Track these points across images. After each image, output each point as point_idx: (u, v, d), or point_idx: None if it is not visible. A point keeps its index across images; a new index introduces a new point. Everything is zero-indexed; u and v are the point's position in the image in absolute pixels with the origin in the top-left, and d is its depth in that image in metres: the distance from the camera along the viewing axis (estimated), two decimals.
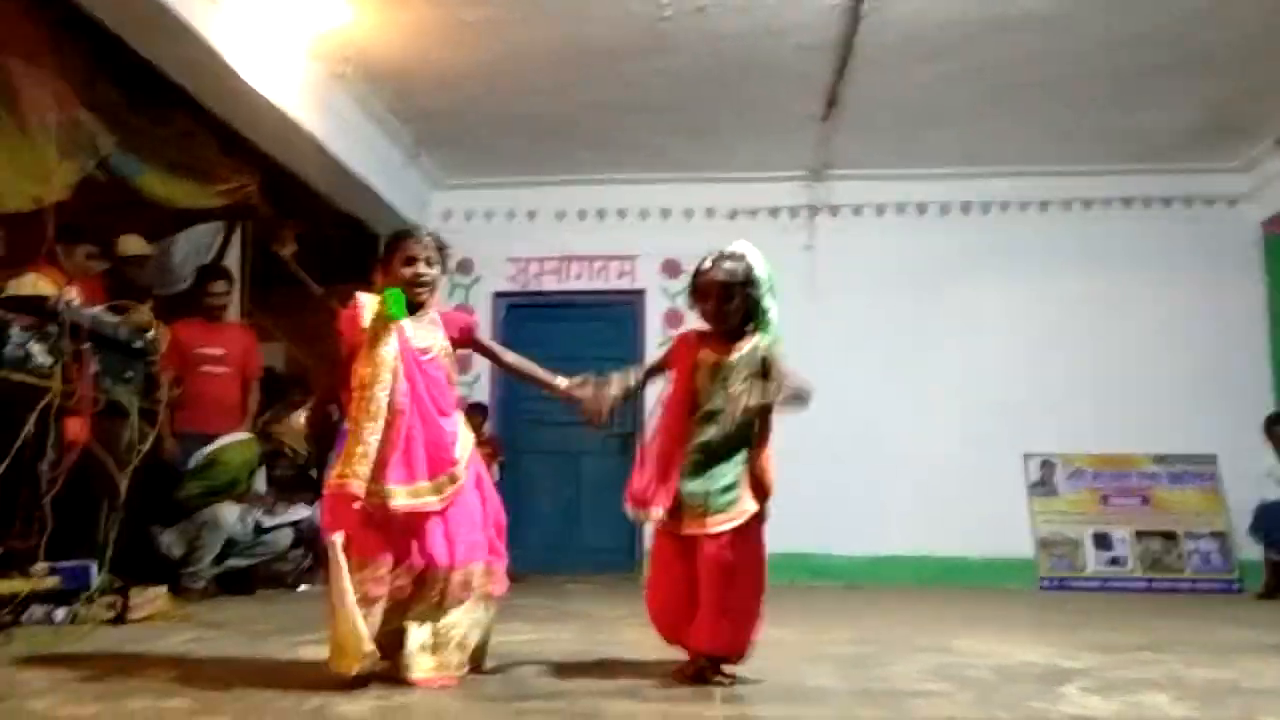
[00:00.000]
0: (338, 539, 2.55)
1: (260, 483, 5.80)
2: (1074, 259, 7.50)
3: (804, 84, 6.18)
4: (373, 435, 2.58)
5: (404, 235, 2.85)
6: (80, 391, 3.54)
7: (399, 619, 2.63)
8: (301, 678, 2.62)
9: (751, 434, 2.77)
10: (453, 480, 2.70)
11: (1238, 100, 6.31)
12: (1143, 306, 7.39)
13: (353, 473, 2.55)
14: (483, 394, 7.62)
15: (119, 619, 3.83)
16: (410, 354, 2.71)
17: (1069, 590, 6.86)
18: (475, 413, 7.23)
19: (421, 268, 2.78)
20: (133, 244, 5.56)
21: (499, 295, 7.94)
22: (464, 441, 2.80)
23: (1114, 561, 7.04)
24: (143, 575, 4.34)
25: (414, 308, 2.78)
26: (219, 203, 5.93)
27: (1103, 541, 7.09)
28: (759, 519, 2.75)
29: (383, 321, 2.68)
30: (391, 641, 2.62)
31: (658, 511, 2.69)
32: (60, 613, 3.80)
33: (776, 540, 7.93)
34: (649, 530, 8.22)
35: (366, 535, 2.57)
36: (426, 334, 2.80)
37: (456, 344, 2.91)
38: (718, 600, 2.61)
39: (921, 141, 7.05)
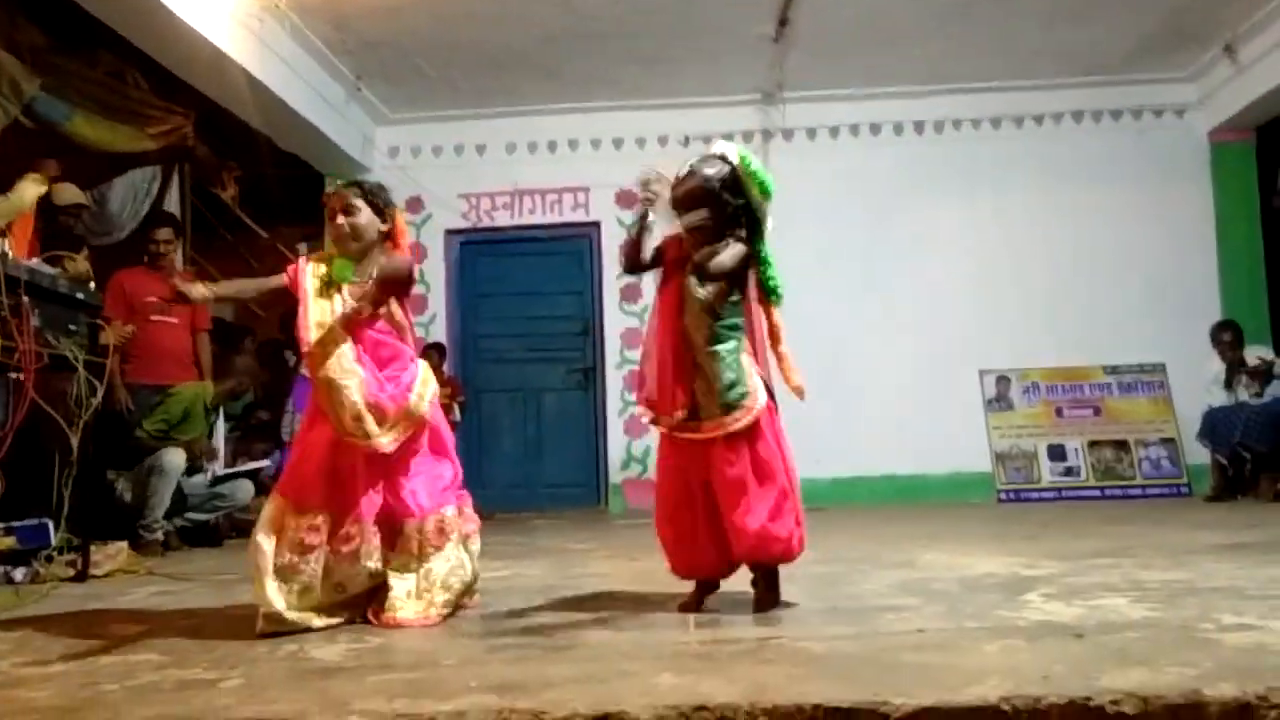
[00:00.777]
0: (271, 504, 2.62)
1: (219, 438, 5.70)
2: (1026, 174, 7.55)
3: (755, 4, 6.06)
4: (350, 393, 2.59)
5: (328, 194, 2.86)
6: (22, 346, 3.42)
7: (377, 571, 2.65)
8: None
9: (737, 324, 2.64)
10: (410, 420, 2.68)
11: (1188, 7, 6.31)
12: (1093, 219, 7.47)
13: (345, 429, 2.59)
14: (439, 334, 7.54)
15: (80, 576, 3.77)
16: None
17: (1026, 502, 7.04)
18: (433, 352, 7.16)
19: (340, 219, 2.75)
20: (68, 193, 5.34)
21: (451, 233, 7.80)
22: (425, 383, 2.77)
23: (1068, 472, 7.23)
24: (102, 532, 4.28)
25: (350, 255, 2.76)
26: (154, 145, 5.74)
27: (1057, 453, 7.27)
28: (771, 410, 2.62)
29: (328, 286, 2.70)
30: (373, 591, 2.66)
31: (680, 414, 2.56)
32: (19, 572, 3.74)
33: None
34: (615, 465, 8.21)
35: (313, 487, 2.60)
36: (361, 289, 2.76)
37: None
38: (756, 498, 2.51)
39: (873, 60, 6.97)
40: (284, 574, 2.54)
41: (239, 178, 6.73)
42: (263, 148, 6.66)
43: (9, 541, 3.76)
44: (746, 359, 2.64)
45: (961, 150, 7.61)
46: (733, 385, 2.57)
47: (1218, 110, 7.30)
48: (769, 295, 2.72)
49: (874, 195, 7.56)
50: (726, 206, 2.65)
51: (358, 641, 2.39)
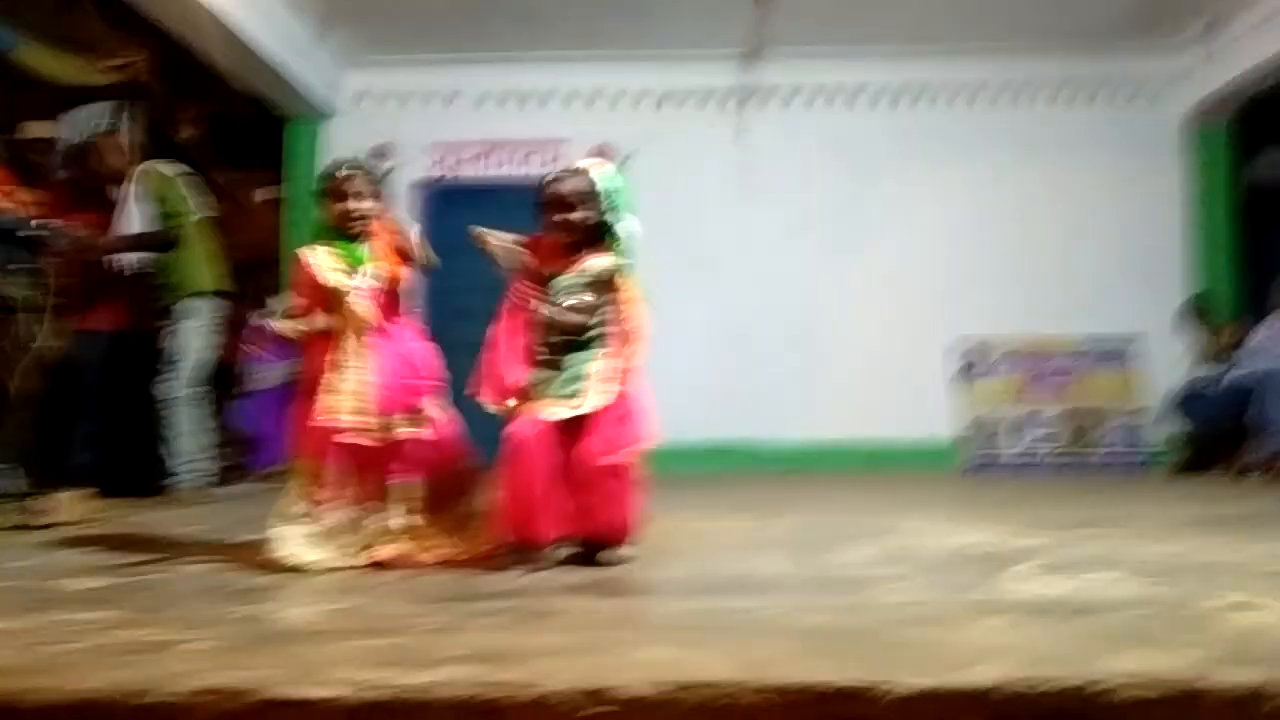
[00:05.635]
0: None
1: None
2: (1002, 146, 7.51)
3: None
4: (354, 375, 2.82)
5: (332, 172, 2.93)
6: None
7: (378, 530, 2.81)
8: (234, 584, 2.48)
9: (596, 337, 2.79)
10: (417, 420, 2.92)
11: None
12: (1069, 193, 7.45)
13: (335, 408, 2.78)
14: None
15: (34, 525, 3.60)
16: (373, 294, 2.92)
17: (994, 471, 7.05)
18: None
19: (352, 203, 2.88)
20: (37, 127, 5.06)
21: (418, 184, 7.58)
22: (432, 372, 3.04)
23: (1038, 442, 7.24)
24: (58, 479, 4.12)
25: (354, 237, 2.92)
26: (105, 80, 5.47)
27: (1027, 423, 7.28)
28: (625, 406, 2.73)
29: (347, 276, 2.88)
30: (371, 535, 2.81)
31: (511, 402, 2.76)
32: None
33: (708, 429, 7.86)
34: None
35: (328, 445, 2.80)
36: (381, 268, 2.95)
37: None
38: (615, 483, 2.67)
39: (856, 21, 6.84)
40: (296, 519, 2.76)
41: (199, 117, 6.47)
42: (223, 88, 6.39)
43: None
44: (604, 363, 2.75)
45: (939, 119, 7.53)
46: (575, 379, 2.73)
47: (1196, 87, 7.25)
48: None
49: (850, 161, 7.47)
50: (591, 214, 2.85)
51: (330, 603, 2.27)
